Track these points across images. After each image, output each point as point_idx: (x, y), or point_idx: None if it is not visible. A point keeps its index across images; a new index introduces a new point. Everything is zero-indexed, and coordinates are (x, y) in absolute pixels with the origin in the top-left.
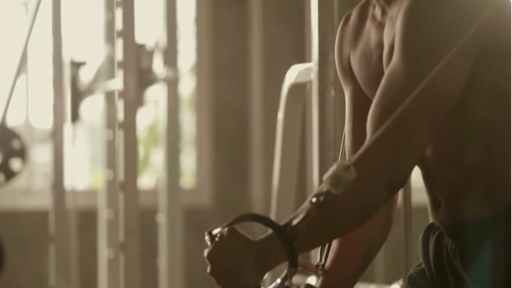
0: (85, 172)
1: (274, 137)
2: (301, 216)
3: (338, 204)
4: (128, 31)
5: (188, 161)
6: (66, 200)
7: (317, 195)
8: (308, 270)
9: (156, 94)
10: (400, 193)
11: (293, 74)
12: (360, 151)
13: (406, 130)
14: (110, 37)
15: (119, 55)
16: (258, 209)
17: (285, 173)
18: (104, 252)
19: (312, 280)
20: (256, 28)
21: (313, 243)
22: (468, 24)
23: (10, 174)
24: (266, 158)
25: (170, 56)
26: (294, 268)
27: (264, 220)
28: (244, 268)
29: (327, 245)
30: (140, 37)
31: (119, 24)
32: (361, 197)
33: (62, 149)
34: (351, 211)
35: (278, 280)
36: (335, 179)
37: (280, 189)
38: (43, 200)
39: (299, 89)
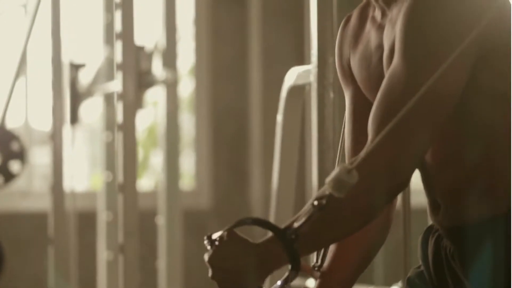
0: (84, 174)
1: (273, 139)
2: (302, 219)
3: (340, 207)
4: (127, 33)
5: (187, 163)
6: (65, 202)
7: (319, 198)
8: (304, 271)
9: (155, 96)
10: (399, 195)
11: (292, 76)
12: (362, 154)
13: (407, 133)
14: (109, 39)
15: (118, 57)
16: (257, 211)
17: (284, 175)
18: (103, 254)
19: (311, 282)
20: (255, 30)
21: (314, 246)
22: (468, 26)
23: (9, 176)
24: (265, 160)
25: (169, 58)
26: (295, 271)
27: (265, 224)
28: (246, 271)
29: None
30: (139, 39)
31: (118, 26)
32: (363, 200)
33: (61, 151)
34: (353, 214)
35: (279, 283)
36: (338, 182)
37: (279, 191)
38: (42, 202)
39: (298, 91)
